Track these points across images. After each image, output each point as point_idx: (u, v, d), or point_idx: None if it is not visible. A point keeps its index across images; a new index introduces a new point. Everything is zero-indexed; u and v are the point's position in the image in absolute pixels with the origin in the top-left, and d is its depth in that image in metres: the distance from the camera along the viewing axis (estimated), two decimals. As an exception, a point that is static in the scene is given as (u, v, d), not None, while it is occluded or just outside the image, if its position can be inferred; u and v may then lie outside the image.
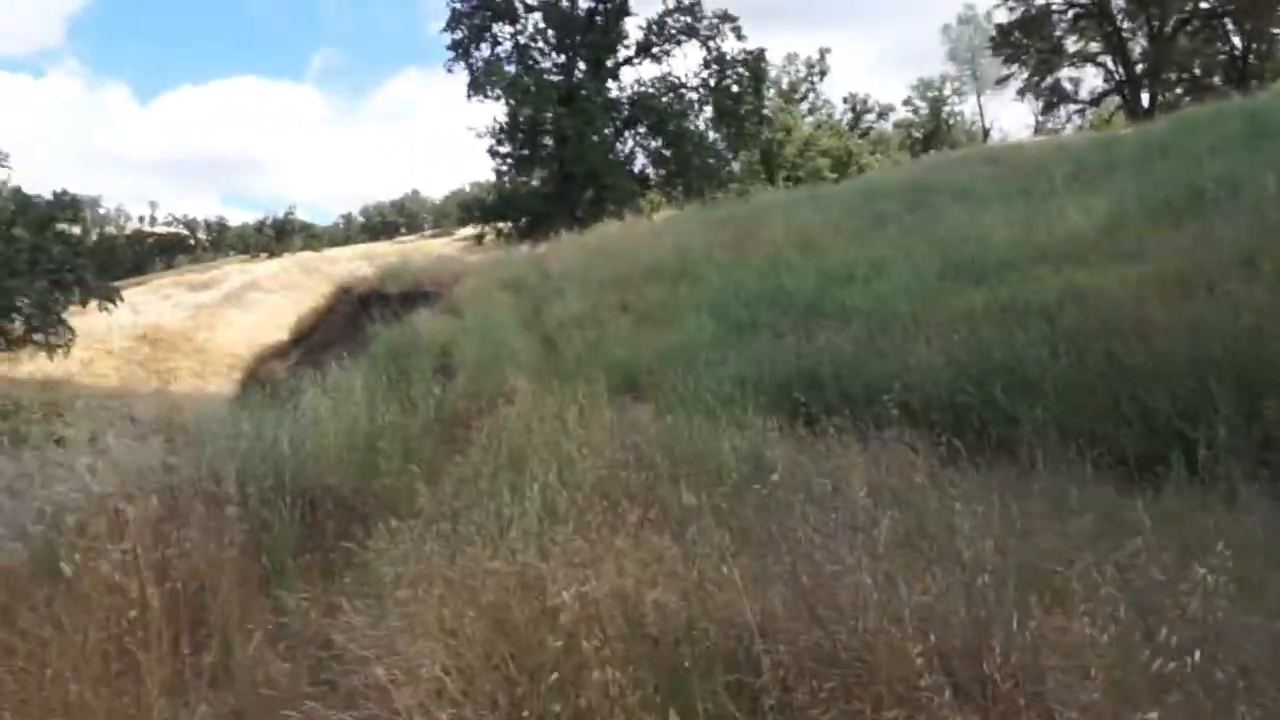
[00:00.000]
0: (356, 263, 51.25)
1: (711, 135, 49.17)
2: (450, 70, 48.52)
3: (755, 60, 48.05)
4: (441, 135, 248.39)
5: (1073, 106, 66.96)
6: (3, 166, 55.36)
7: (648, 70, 52.70)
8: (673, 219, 28.28)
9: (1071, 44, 60.85)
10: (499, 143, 47.29)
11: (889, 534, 4.45)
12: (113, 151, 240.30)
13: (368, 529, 6.36)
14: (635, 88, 49.32)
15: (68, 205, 60.16)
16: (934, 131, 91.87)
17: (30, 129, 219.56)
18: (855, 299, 13.98)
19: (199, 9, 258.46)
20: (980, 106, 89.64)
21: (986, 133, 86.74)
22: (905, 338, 11.61)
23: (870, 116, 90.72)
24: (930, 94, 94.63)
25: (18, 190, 59.20)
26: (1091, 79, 63.29)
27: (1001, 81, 69.00)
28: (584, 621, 4.09)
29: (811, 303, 14.63)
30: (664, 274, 19.52)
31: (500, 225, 46.90)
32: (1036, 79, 64.07)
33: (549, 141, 46.55)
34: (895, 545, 4.55)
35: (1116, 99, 61.76)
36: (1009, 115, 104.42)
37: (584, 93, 45.50)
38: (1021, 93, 66.34)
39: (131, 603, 4.67)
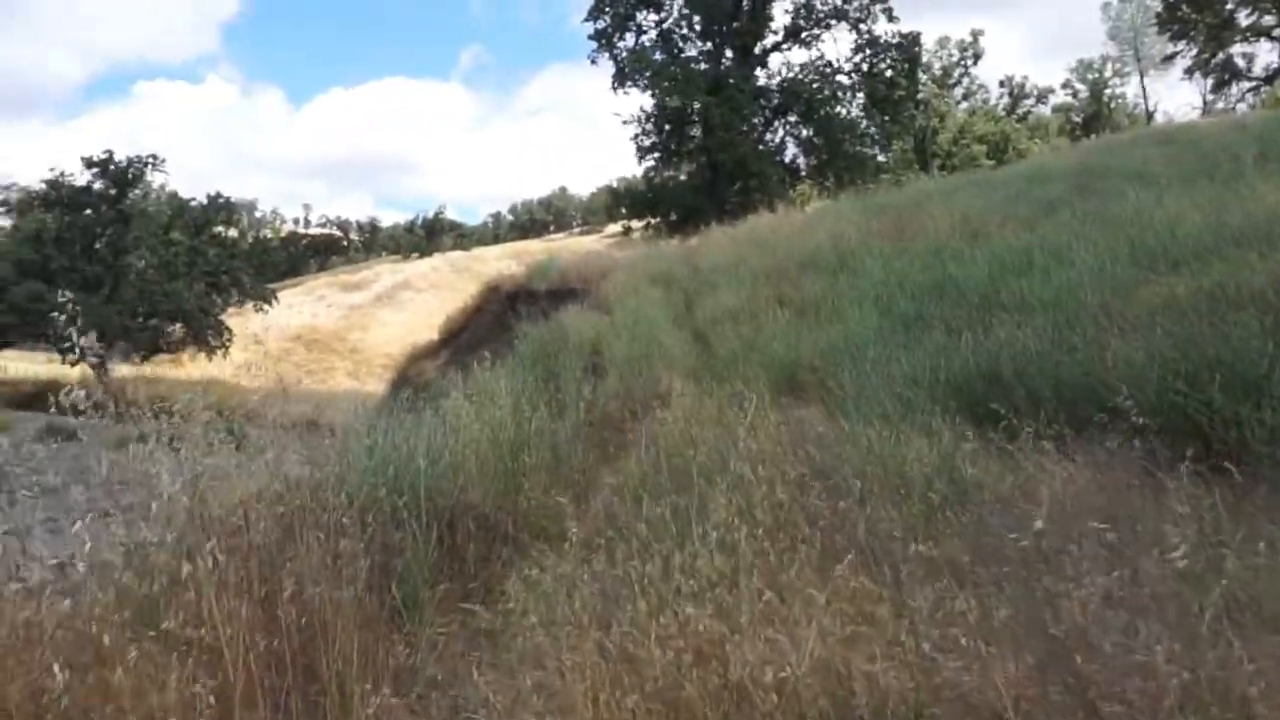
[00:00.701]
0: (505, 261, 51.38)
1: (864, 122, 47.47)
2: (594, 61, 48.04)
3: (910, 43, 46.28)
4: (588, 131, 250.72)
5: (1245, 84, 63.48)
6: (159, 171, 57.65)
7: (797, 57, 51.18)
8: (827, 209, 27.20)
9: (1244, 18, 57.46)
10: (644, 133, 46.62)
11: (1170, 583, 3.43)
12: (267, 155, 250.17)
13: (512, 554, 5.60)
14: (784, 73, 48.06)
15: (222, 208, 62.28)
16: (1095, 115, 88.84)
17: (188, 134, 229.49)
18: (1035, 289, 12.79)
19: (349, 12, 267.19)
20: (1144, 88, 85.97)
21: (1150, 115, 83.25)
22: (1097, 330, 10.43)
23: (1028, 101, 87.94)
24: (1090, 76, 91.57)
25: (174, 195, 61.51)
26: (1266, 54, 59.79)
27: (1168, 59, 66.06)
28: (781, 706, 3.22)
29: (985, 294, 13.50)
30: (821, 265, 18.62)
31: (650, 220, 46.11)
32: (1206, 55, 60.88)
33: (696, 132, 45.61)
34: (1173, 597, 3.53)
35: (1294, 75, 58.23)
36: (1174, 96, 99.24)
37: (731, 81, 44.31)
38: (1190, 71, 63.36)
39: (233, 653, 3.99)
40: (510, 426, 8.09)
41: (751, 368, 13.51)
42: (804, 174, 48.40)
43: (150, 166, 57.88)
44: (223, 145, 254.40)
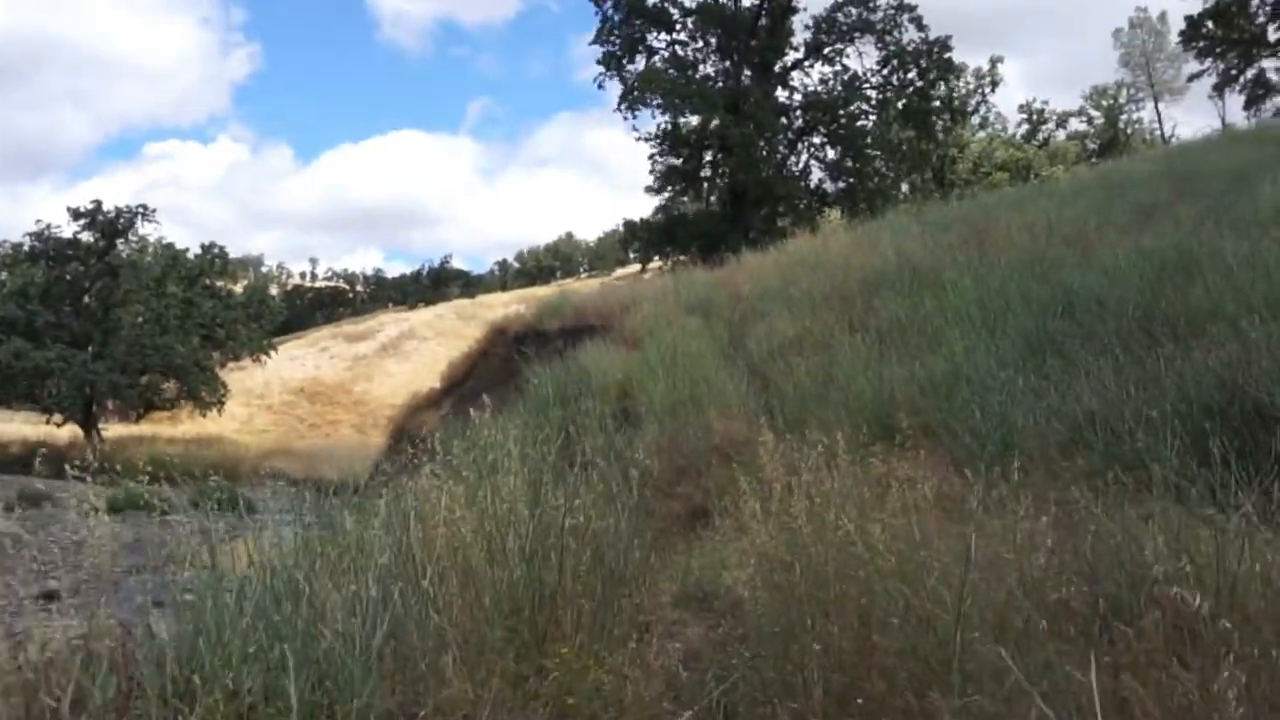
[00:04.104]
0: (514, 307, 48.45)
1: (895, 138, 43.90)
2: (601, 86, 44.72)
3: (940, 49, 42.81)
4: (596, 178, 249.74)
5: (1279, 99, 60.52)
6: (150, 221, 54.65)
7: (819, 74, 47.34)
8: (877, 226, 23.92)
9: (1274, 31, 54.60)
10: (660, 155, 43.30)
11: None
12: (277, 211, 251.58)
13: None
14: (805, 88, 44.97)
15: (217, 258, 59.22)
16: (1111, 140, 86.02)
17: (198, 193, 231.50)
18: (1230, 293, 9.50)
19: (358, 69, 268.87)
20: (1158, 112, 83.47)
21: (1166, 140, 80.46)
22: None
23: (1048, 126, 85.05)
24: (1104, 102, 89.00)
25: (168, 246, 58.52)
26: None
27: (1194, 78, 63.28)
28: None
29: (1146, 305, 10.27)
30: (893, 284, 15.69)
31: (669, 253, 42.44)
32: (1234, 72, 58.05)
33: (713, 157, 42.29)
34: None
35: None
36: (1190, 120, 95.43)
37: (752, 99, 40.97)
38: (1218, 87, 60.42)
39: None
40: (527, 521, 4.71)
41: (830, 409, 10.70)
42: (831, 200, 44.98)
43: (140, 217, 54.84)
44: (233, 202, 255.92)
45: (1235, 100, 61.34)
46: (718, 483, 9.04)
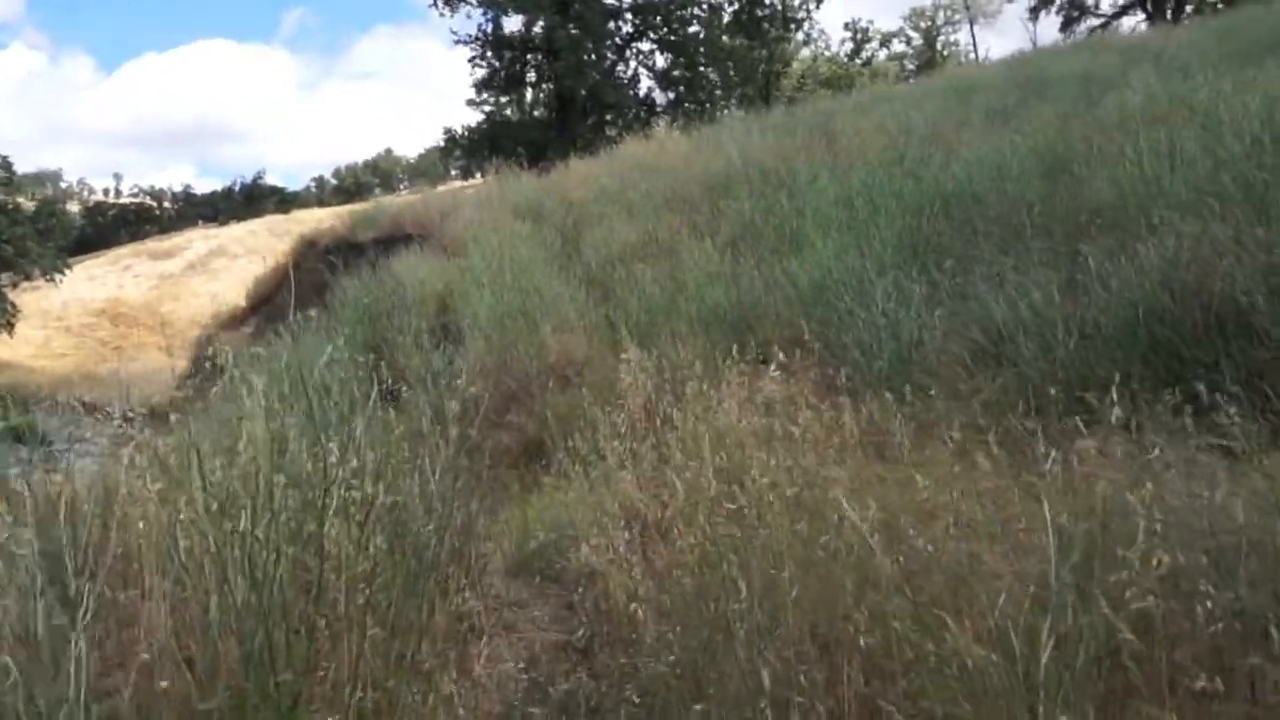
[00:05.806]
0: (329, 223, 45.88)
1: (727, 45, 42.57)
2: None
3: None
4: (418, 94, 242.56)
5: (1093, 21, 62.05)
6: (-80, 131, 49.75)
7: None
8: (715, 131, 22.56)
9: (1090, -46, 55.88)
10: (481, 59, 41.13)
11: None
12: (81, 125, 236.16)
13: None
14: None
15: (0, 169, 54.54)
16: (929, 62, 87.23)
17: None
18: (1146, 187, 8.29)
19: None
20: (973, 35, 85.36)
21: (979, 62, 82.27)
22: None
23: (871, 45, 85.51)
24: (923, 24, 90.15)
25: (-59, 159, 53.62)
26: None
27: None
28: None
29: (1042, 202, 9.08)
30: (740, 187, 14.23)
31: (492, 162, 40.40)
32: (1052, -8, 59.29)
33: (537, 61, 40.16)
34: None
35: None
36: (1002, 43, 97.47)
37: (580, 0, 38.89)
38: (1035, 9, 61.56)
39: None
40: (264, 502, 2.74)
41: (682, 321, 9.64)
42: (661, 110, 43.50)
43: (-91, 126, 50.12)
44: (31, 115, 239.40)
45: (1047, 24, 62.70)
46: (556, 411, 7.54)
